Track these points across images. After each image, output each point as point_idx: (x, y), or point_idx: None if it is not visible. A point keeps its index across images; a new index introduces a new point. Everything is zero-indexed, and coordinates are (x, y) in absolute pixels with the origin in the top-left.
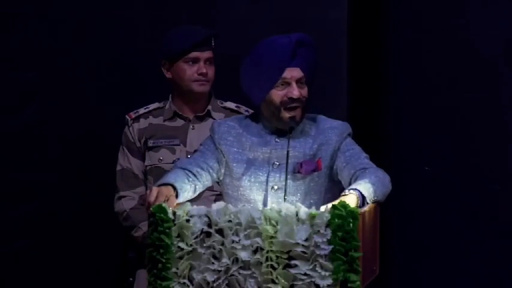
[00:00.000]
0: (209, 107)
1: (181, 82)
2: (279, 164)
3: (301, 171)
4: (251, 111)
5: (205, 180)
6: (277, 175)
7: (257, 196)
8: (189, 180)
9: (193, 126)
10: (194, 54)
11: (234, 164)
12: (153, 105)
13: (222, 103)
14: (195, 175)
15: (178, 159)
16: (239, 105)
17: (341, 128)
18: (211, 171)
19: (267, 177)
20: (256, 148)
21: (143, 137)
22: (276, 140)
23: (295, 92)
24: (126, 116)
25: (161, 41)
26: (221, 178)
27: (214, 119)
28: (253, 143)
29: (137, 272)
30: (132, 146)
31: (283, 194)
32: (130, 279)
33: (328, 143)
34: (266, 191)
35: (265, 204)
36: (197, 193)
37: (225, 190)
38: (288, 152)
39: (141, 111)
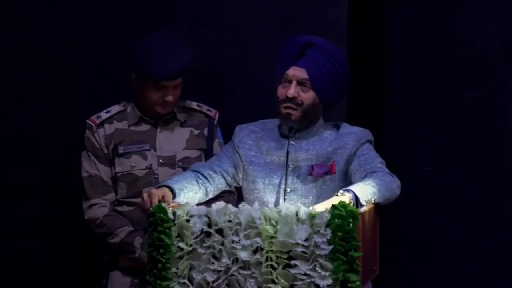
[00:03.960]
0: (175, 110)
1: (145, 101)
2: (293, 167)
3: (312, 174)
4: (212, 110)
5: (218, 183)
6: (291, 178)
7: (271, 198)
8: (198, 182)
9: (160, 129)
10: (164, 83)
11: (250, 167)
12: (114, 109)
13: (182, 103)
14: (206, 178)
15: (151, 164)
16: (200, 104)
17: (360, 134)
18: (225, 174)
19: (281, 179)
20: (272, 152)
21: (111, 143)
22: (291, 143)
23: (290, 90)
24: (89, 121)
25: (132, 47)
26: (240, 183)
27: (179, 120)
28: (270, 146)
29: (110, 273)
30: (98, 152)
31: (296, 197)
32: (103, 281)
33: (344, 147)
34: (279, 193)
35: (277, 206)
36: (210, 196)
37: (243, 194)
38: (287, 152)
39: (104, 116)
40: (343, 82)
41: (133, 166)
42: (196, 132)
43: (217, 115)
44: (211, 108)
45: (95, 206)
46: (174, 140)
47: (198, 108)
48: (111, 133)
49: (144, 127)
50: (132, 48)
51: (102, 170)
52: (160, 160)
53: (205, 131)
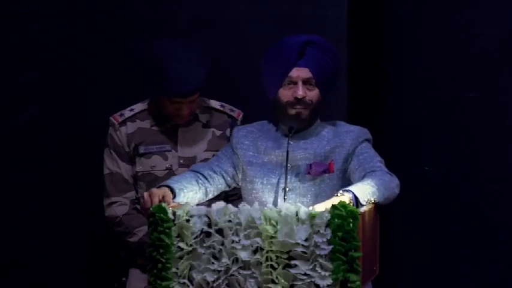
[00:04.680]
0: (197, 111)
1: (160, 110)
2: (291, 166)
3: (311, 172)
4: (236, 109)
5: (218, 183)
6: (289, 177)
7: (269, 198)
8: (198, 182)
9: (181, 130)
10: (179, 99)
11: (248, 167)
12: (138, 107)
13: (205, 103)
14: (206, 178)
15: (171, 165)
16: (223, 103)
17: (358, 133)
18: (225, 175)
19: (279, 179)
20: (270, 151)
21: (132, 142)
22: (290, 142)
23: (299, 91)
24: (111, 119)
25: (147, 56)
26: (239, 183)
27: (200, 121)
28: (267, 146)
29: (130, 270)
30: (120, 150)
31: (294, 196)
32: (123, 278)
33: (342, 146)
34: (277, 192)
35: (275, 205)
36: (210, 196)
37: (242, 195)
38: (287, 152)
39: (127, 114)
40: (338, 72)
41: (154, 166)
42: (218, 133)
43: (240, 115)
44: (234, 108)
45: (114, 204)
46: (195, 141)
47: (221, 109)
48: (132, 132)
49: (166, 127)
50: (146, 58)
51: (123, 168)
52: (181, 161)
53: (228, 132)
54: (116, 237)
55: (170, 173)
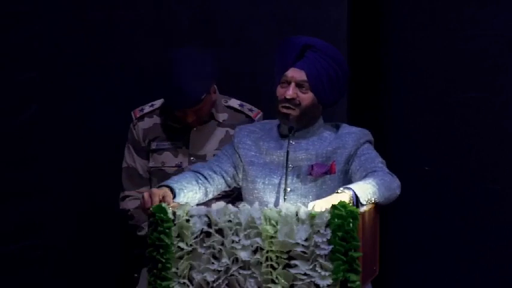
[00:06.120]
0: (213, 110)
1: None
2: (293, 167)
3: (312, 173)
4: (255, 109)
5: (218, 183)
6: (290, 177)
7: (270, 198)
8: (198, 182)
9: (196, 128)
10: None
11: (250, 167)
12: (158, 103)
13: (226, 101)
14: (206, 178)
15: (181, 162)
16: (243, 103)
17: (359, 134)
18: (225, 175)
19: (280, 179)
20: (272, 152)
21: (147, 137)
22: (291, 142)
23: (289, 92)
24: (132, 114)
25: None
26: (240, 183)
27: (217, 120)
28: (269, 146)
29: (142, 270)
30: (137, 145)
31: (295, 196)
32: (135, 275)
33: (344, 147)
34: (278, 193)
35: (277, 206)
36: (210, 196)
37: (243, 195)
38: (287, 152)
39: (146, 109)
40: (342, 84)
41: (164, 163)
42: (232, 132)
43: (258, 115)
44: (254, 108)
45: (128, 198)
46: (208, 140)
47: (239, 108)
48: (149, 127)
49: (180, 124)
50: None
51: (138, 163)
52: (192, 158)
53: None
54: (131, 233)
55: (180, 170)
